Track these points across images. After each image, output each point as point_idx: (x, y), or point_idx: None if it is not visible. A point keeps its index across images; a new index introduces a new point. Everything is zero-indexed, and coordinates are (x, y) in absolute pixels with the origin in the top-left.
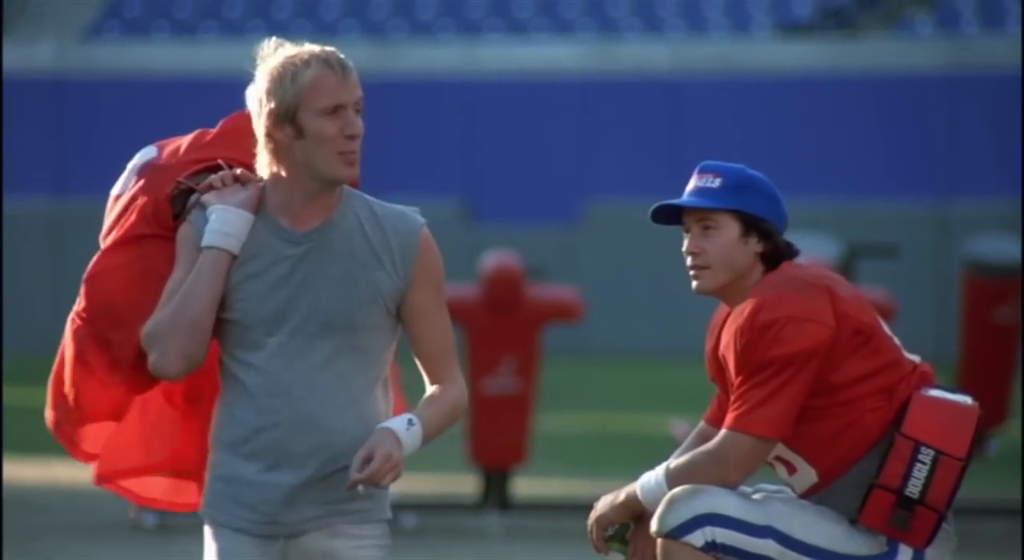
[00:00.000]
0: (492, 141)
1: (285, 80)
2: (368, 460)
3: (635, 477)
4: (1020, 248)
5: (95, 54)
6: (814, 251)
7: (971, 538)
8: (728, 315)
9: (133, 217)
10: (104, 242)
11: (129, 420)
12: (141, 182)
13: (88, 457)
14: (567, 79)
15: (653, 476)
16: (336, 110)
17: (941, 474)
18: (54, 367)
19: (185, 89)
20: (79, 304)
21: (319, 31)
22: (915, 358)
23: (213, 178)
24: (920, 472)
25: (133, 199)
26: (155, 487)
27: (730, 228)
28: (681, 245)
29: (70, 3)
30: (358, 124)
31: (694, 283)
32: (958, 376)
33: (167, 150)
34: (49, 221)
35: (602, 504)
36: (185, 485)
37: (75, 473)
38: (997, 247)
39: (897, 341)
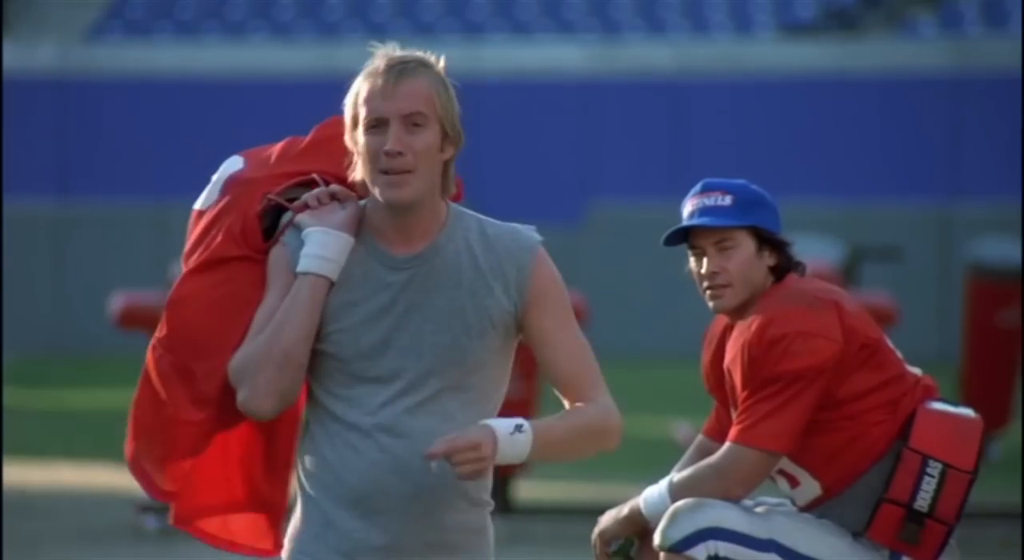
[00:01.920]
0: (494, 142)
1: (352, 89)
2: (454, 447)
3: (637, 480)
4: (1023, 251)
5: (97, 55)
6: (818, 254)
7: (972, 542)
8: (725, 327)
9: (220, 237)
10: (187, 264)
11: (210, 456)
12: (227, 197)
13: (166, 496)
14: (570, 80)
15: (656, 490)
16: (378, 124)
17: (950, 487)
18: (134, 398)
19: (187, 90)
20: (160, 331)
21: (322, 33)
22: (917, 371)
23: (308, 196)
24: (929, 486)
25: (218, 217)
26: (235, 528)
27: (747, 245)
28: (685, 265)
29: (72, 4)
30: (400, 140)
31: (714, 303)
32: (961, 379)
33: (255, 161)
34: (51, 222)
35: (605, 518)
36: (264, 525)
37: (77, 476)
38: (1001, 250)
39: (900, 354)
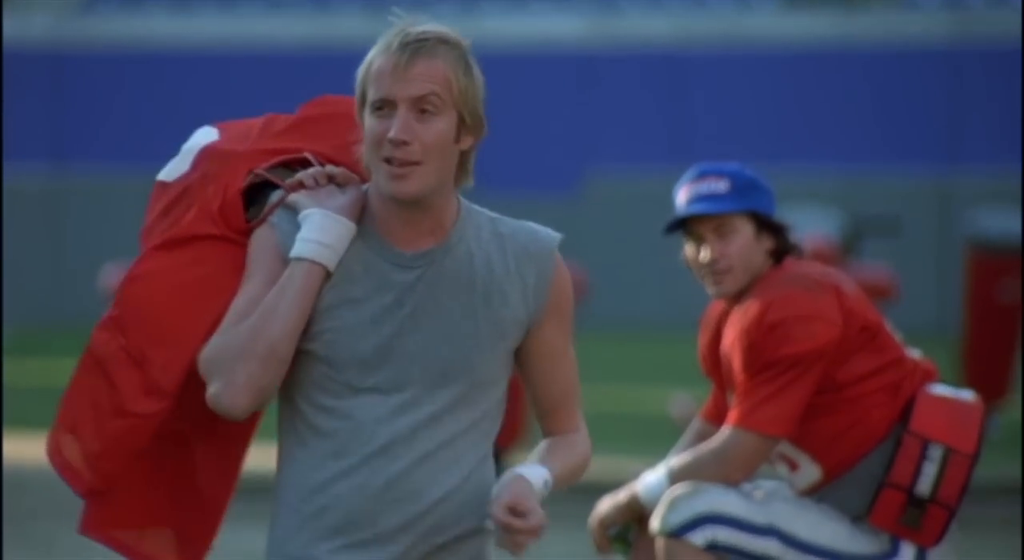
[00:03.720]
0: (493, 113)
1: (364, 62)
2: (516, 511)
3: (635, 454)
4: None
5: (91, 26)
6: (817, 225)
7: (971, 520)
8: (723, 311)
9: (192, 213)
10: (148, 239)
11: (145, 455)
12: (201, 169)
13: (91, 493)
14: (568, 51)
15: (654, 476)
16: (384, 106)
17: (951, 471)
18: (71, 381)
19: (181, 61)
20: (113, 309)
21: (316, 3)
22: (917, 354)
23: (304, 175)
24: (930, 470)
25: (189, 190)
26: (151, 542)
27: (745, 229)
28: (680, 254)
29: None
30: (408, 126)
31: (715, 288)
32: (960, 352)
33: (232, 132)
34: (46, 193)
35: (603, 504)
36: (184, 543)
37: None
38: (1001, 222)
39: (899, 337)
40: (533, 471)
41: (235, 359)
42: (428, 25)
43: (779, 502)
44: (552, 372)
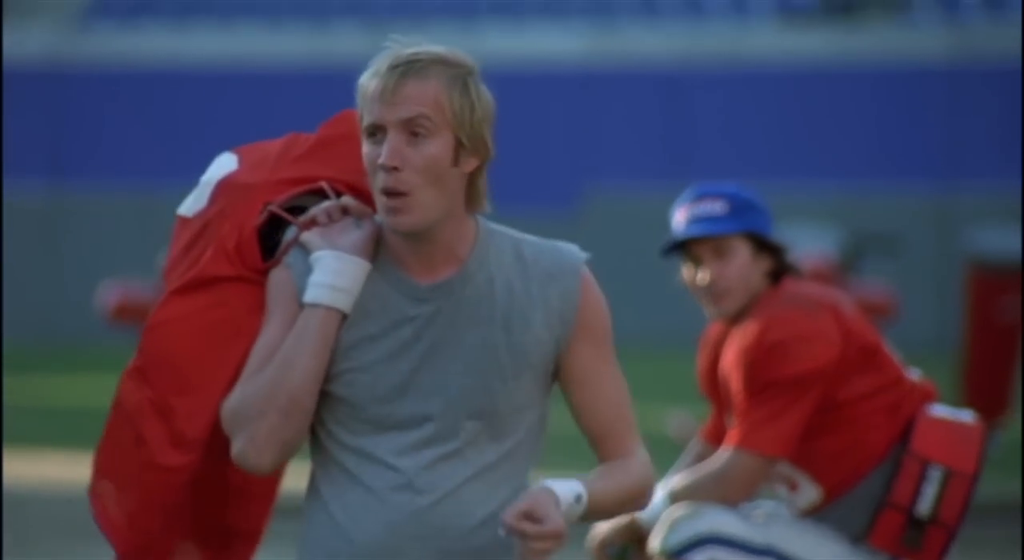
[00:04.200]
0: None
1: (358, 89)
2: (531, 518)
3: None
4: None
5: (88, 43)
6: (816, 243)
7: (971, 539)
8: (721, 331)
9: (209, 252)
10: (169, 280)
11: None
12: (218, 204)
13: (129, 550)
14: (567, 68)
15: (654, 496)
16: (375, 132)
17: (951, 492)
18: (103, 434)
19: (178, 79)
20: (136, 359)
21: (315, 21)
22: (915, 375)
23: (316, 210)
24: (930, 491)
25: (208, 226)
26: None
27: (743, 250)
28: (678, 275)
29: None
30: (397, 151)
31: (714, 309)
32: (960, 370)
33: (251, 160)
34: (43, 210)
35: (603, 525)
36: None
37: (75, 469)
38: (1001, 240)
39: (898, 358)
40: (563, 484)
41: (256, 414)
42: (426, 46)
43: (778, 523)
44: (593, 397)
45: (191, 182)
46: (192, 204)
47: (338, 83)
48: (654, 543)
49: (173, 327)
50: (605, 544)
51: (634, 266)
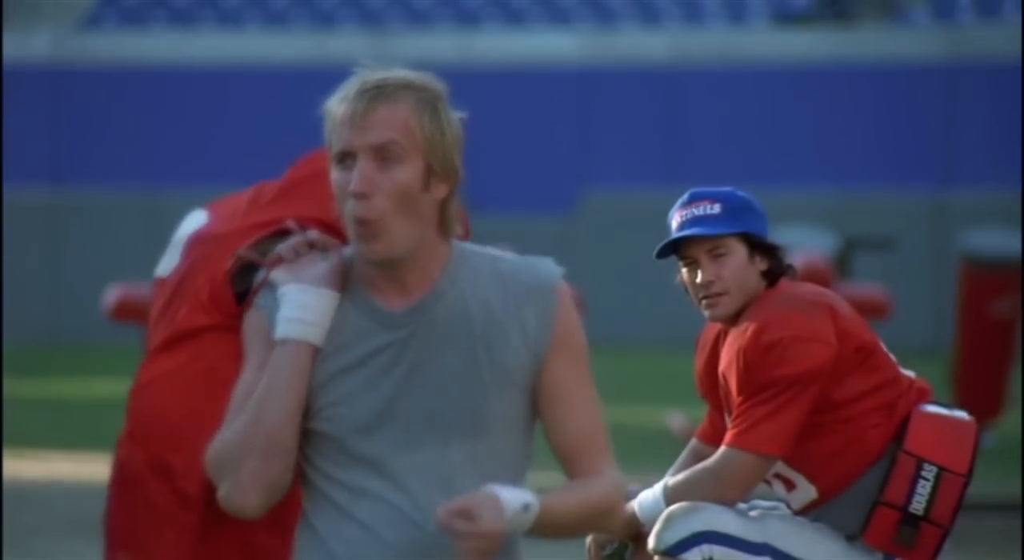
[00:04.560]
0: (489, 131)
1: (326, 114)
2: (466, 516)
3: (631, 470)
4: (1017, 240)
5: (92, 44)
6: (811, 244)
7: (966, 534)
8: (719, 332)
9: (185, 307)
10: (152, 342)
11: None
12: (191, 258)
13: None
14: (564, 69)
15: (651, 494)
16: (344, 158)
17: (945, 490)
18: (108, 502)
19: (181, 79)
20: (127, 424)
21: (316, 22)
22: (911, 374)
23: (282, 247)
24: (924, 489)
25: (182, 283)
26: None
27: (739, 251)
28: (675, 275)
29: None
30: (367, 178)
31: (711, 311)
32: (954, 368)
33: (220, 213)
34: (46, 211)
35: None
36: None
37: (71, 467)
38: (995, 240)
39: (893, 358)
40: (511, 491)
41: (236, 458)
42: (394, 71)
43: (774, 520)
44: (565, 414)
45: (194, 182)
46: (167, 264)
47: (340, 82)
48: (651, 541)
49: (158, 386)
50: (602, 541)
51: (630, 266)
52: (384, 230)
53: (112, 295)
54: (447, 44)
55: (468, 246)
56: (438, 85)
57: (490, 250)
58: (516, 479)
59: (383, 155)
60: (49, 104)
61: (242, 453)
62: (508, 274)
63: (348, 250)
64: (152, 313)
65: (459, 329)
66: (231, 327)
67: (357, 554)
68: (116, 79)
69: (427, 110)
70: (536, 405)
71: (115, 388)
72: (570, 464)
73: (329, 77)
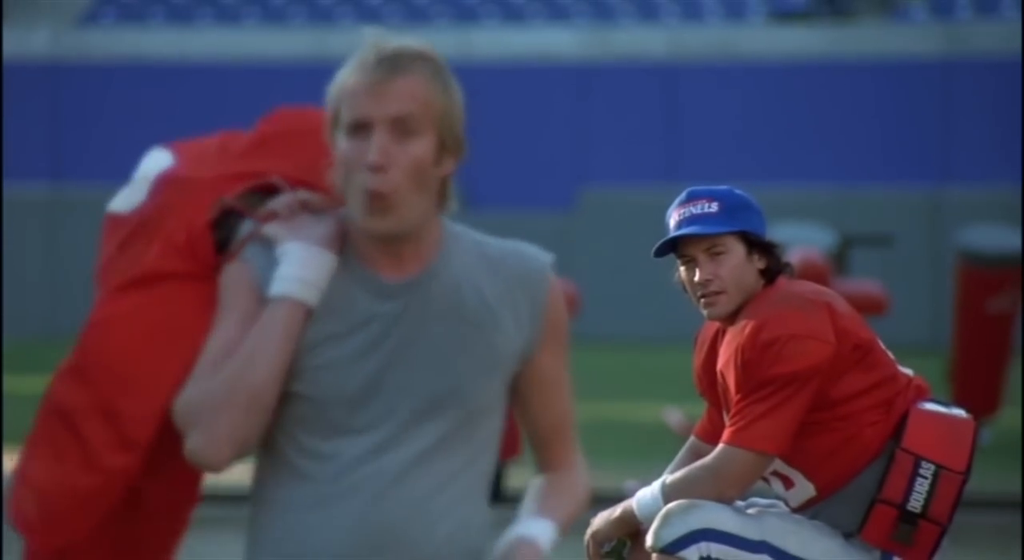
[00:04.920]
0: (488, 127)
1: (337, 80)
2: None
3: (628, 466)
4: (1014, 237)
5: (90, 40)
6: (809, 240)
7: (964, 530)
8: (717, 330)
9: (155, 248)
10: (105, 279)
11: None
12: (160, 199)
13: (49, 548)
14: (563, 65)
15: (649, 491)
16: (360, 128)
17: (943, 488)
18: (32, 431)
19: (180, 75)
20: (73, 358)
21: (314, 18)
22: (909, 372)
23: (276, 203)
24: (922, 486)
25: (148, 222)
26: None
27: (737, 250)
28: (674, 275)
29: None
30: (386, 149)
31: (709, 310)
32: (952, 365)
33: (188, 156)
34: (45, 207)
35: (598, 520)
36: None
37: None
38: (992, 237)
39: (892, 356)
40: (541, 530)
41: (215, 410)
42: (403, 40)
43: (772, 518)
44: (547, 402)
45: None
46: (126, 200)
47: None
48: (649, 538)
49: (117, 325)
50: (600, 538)
51: (627, 262)
52: (397, 204)
53: None
54: (446, 40)
55: (456, 226)
56: (438, 54)
57: (473, 232)
58: (487, 464)
59: (400, 127)
60: (48, 100)
61: (223, 405)
62: (497, 259)
63: (342, 214)
64: (104, 249)
65: (451, 309)
66: (204, 277)
67: (316, 525)
68: (114, 75)
69: (440, 83)
70: (515, 391)
71: None
72: (544, 449)
73: (328, 72)
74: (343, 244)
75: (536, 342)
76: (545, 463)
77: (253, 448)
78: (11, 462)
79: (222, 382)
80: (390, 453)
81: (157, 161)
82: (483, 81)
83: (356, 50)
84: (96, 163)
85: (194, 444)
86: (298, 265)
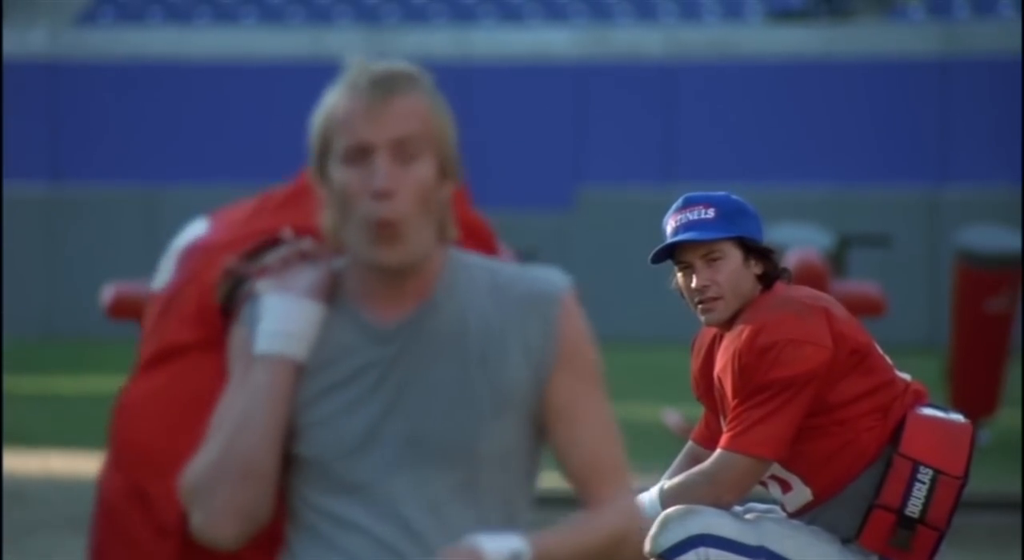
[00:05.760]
0: (485, 126)
1: (323, 109)
2: None
3: (630, 466)
4: (1013, 237)
5: (89, 39)
6: (806, 241)
7: (962, 531)
8: (715, 335)
9: (172, 322)
10: (139, 360)
11: None
12: (183, 270)
13: None
14: (560, 65)
15: (647, 497)
16: (359, 154)
17: (940, 493)
18: (91, 531)
19: (178, 74)
20: (111, 447)
21: (312, 17)
22: (906, 376)
23: (271, 256)
24: (919, 492)
25: (174, 297)
26: None
27: (734, 256)
28: (671, 282)
29: None
30: (391, 174)
31: (706, 316)
32: (950, 365)
33: (221, 222)
34: (44, 206)
35: None
36: None
37: (68, 463)
38: (990, 237)
39: (889, 361)
40: (497, 540)
41: (209, 484)
42: (391, 62)
43: (770, 523)
44: (572, 437)
45: (192, 177)
46: (161, 277)
47: (336, 76)
48: (647, 544)
49: (141, 408)
50: None
51: (625, 261)
52: (406, 232)
53: (108, 294)
54: (443, 40)
55: (464, 254)
56: (427, 77)
57: (488, 260)
58: (514, 512)
59: (402, 150)
60: (46, 99)
61: (215, 479)
62: (506, 284)
63: (337, 261)
64: (144, 330)
65: (453, 345)
66: (219, 343)
67: None
68: (113, 74)
69: (436, 103)
70: (544, 425)
71: (113, 384)
72: (581, 491)
73: (326, 72)
74: (334, 290)
75: (548, 369)
76: (583, 505)
77: (261, 519)
78: (11, 459)
79: (211, 455)
80: (402, 507)
81: (191, 232)
82: (481, 80)
83: (343, 75)
84: (95, 162)
85: (196, 522)
86: (278, 319)
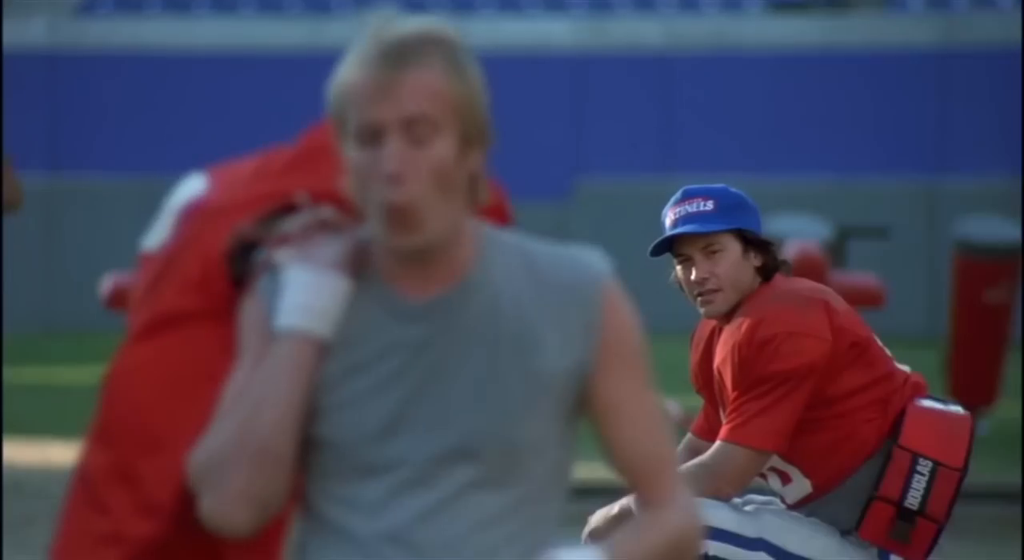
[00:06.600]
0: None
1: (337, 78)
2: None
3: None
4: (1012, 228)
5: (88, 29)
6: (805, 232)
7: (966, 522)
8: (714, 328)
9: (171, 288)
10: (132, 325)
11: None
12: (184, 232)
13: None
14: (559, 55)
15: None
16: (371, 135)
17: (940, 485)
18: (65, 502)
19: (178, 64)
20: (96, 421)
21: (311, 6)
22: (906, 368)
23: (291, 224)
24: (919, 484)
25: (172, 260)
26: None
27: (733, 248)
28: (670, 274)
29: None
30: (403, 157)
31: (706, 308)
32: (949, 356)
33: (222, 181)
34: (43, 197)
35: (596, 518)
36: None
37: (68, 454)
38: (990, 227)
39: (889, 353)
40: (576, 554)
41: (223, 466)
42: (407, 24)
43: (769, 515)
44: (622, 432)
45: (191, 167)
46: (155, 236)
47: (335, 67)
48: None
49: (134, 378)
50: (597, 537)
51: (624, 253)
52: (422, 217)
53: (108, 284)
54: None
55: (498, 231)
56: (453, 32)
57: (522, 238)
58: (545, 506)
59: (415, 129)
60: (45, 90)
61: (230, 461)
62: (545, 268)
63: (363, 231)
64: (136, 293)
65: (488, 330)
66: (224, 314)
67: None
68: (112, 64)
69: (454, 67)
70: (590, 421)
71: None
72: (636, 487)
73: (327, 63)
74: (363, 264)
75: (592, 364)
76: (640, 504)
77: (276, 506)
78: (11, 449)
79: (227, 435)
80: (423, 497)
81: (188, 189)
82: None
83: (355, 37)
84: (94, 153)
85: (207, 506)
86: (303, 293)
